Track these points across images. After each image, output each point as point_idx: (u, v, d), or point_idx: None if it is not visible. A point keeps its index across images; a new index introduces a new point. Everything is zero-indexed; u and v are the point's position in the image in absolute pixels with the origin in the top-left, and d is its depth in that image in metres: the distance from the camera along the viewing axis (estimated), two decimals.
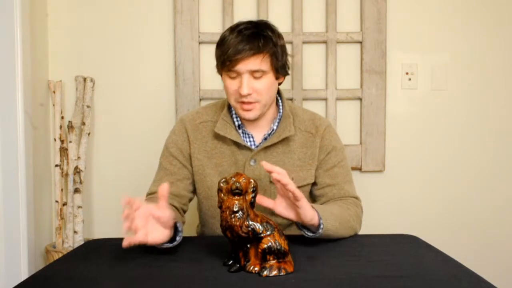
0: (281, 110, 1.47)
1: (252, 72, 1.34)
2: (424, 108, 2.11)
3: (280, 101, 1.49)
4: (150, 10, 2.06)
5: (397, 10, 2.08)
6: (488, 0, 2.09)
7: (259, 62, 1.34)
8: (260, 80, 1.35)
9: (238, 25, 1.39)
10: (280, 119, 1.46)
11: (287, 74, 1.45)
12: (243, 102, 1.36)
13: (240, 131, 1.44)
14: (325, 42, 2.06)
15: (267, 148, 1.43)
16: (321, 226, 1.23)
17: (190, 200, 1.50)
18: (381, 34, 2.05)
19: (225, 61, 1.35)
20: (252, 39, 1.34)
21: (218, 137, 1.44)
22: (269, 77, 1.37)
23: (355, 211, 1.41)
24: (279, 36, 1.40)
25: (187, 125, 1.47)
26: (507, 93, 2.12)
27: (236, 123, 1.44)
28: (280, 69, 1.40)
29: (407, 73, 2.09)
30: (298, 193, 1.15)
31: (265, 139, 1.45)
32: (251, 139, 1.45)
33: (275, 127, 1.45)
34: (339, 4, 2.06)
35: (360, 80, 2.08)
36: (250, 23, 1.39)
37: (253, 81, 1.35)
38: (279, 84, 1.46)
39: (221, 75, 1.43)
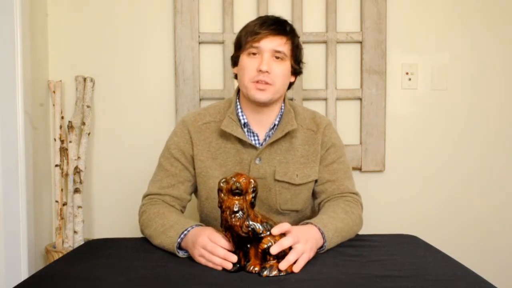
0: (282, 107, 1.48)
1: (274, 53, 1.38)
2: (424, 108, 2.11)
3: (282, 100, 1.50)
4: (150, 10, 2.06)
5: (397, 10, 2.08)
6: (488, 0, 2.09)
7: (283, 43, 1.39)
8: (279, 64, 1.39)
9: (262, 16, 1.48)
10: (281, 115, 1.47)
11: (300, 72, 1.49)
12: (257, 82, 1.37)
13: (245, 129, 1.45)
14: (325, 42, 2.06)
15: (271, 146, 1.44)
16: (324, 248, 1.25)
17: (188, 201, 1.50)
18: (381, 34, 2.05)
19: (250, 36, 1.38)
20: (279, 22, 1.41)
21: (222, 136, 1.45)
22: (287, 65, 1.41)
23: (358, 213, 1.42)
24: (298, 35, 1.48)
25: (189, 126, 1.47)
26: (507, 93, 2.12)
27: (242, 121, 1.45)
28: (297, 62, 1.45)
29: (407, 73, 2.09)
30: (286, 244, 1.12)
31: (269, 136, 1.45)
32: (256, 137, 1.46)
33: (276, 122, 1.46)
34: (339, 4, 2.06)
35: (360, 80, 2.08)
36: (273, 15, 1.46)
37: (272, 62, 1.38)
38: (290, 84, 1.49)
39: (236, 63, 1.45)
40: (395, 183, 2.12)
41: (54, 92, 2.02)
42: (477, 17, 2.09)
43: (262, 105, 1.42)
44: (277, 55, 1.38)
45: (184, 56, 2.03)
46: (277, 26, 1.39)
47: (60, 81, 2.04)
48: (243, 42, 1.41)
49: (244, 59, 1.41)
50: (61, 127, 2.00)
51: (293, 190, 1.45)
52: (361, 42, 2.06)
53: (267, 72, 1.36)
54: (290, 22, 1.45)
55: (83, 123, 2.01)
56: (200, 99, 2.05)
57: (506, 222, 2.15)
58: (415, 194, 2.13)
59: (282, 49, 1.38)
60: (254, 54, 1.39)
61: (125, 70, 2.07)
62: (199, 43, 2.04)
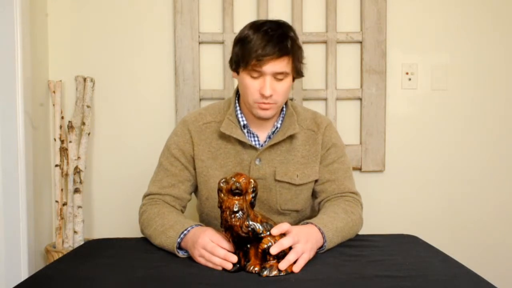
0: (284, 109, 1.48)
1: (276, 74, 1.34)
2: (424, 108, 2.11)
3: None
4: (150, 10, 2.06)
5: (397, 10, 2.08)
6: (488, 0, 2.09)
7: (285, 65, 1.34)
8: (281, 82, 1.36)
9: (261, 24, 1.37)
10: (283, 118, 1.47)
11: (302, 76, 1.46)
12: (262, 103, 1.36)
13: (245, 130, 1.45)
14: (325, 42, 2.06)
15: (271, 146, 1.44)
16: (324, 247, 1.25)
17: (188, 201, 1.50)
18: (381, 34, 2.05)
19: (252, 60, 1.32)
20: (281, 40, 1.33)
21: (222, 137, 1.45)
22: (289, 80, 1.39)
23: (358, 213, 1.42)
24: (298, 41, 1.41)
25: (190, 126, 1.47)
26: (507, 93, 2.12)
27: (242, 123, 1.44)
28: (299, 72, 1.42)
29: (407, 73, 2.09)
30: (286, 244, 1.12)
31: (269, 137, 1.45)
32: (256, 138, 1.46)
33: (278, 125, 1.46)
34: (339, 4, 2.06)
35: (360, 80, 2.08)
36: (273, 23, 1.38)
37: (275, 82, 1.35)
38: None
39: (237, 73, 1.41)
40: (395, 183, 2.12)
41: (54, 92, 2.02)
42: (477, 17, 2.09)
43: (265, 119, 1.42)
44: (278, 77, 1.35)
45: (184, 56, 2.03)
46: (279, 47, 1.32)
47: (60, 81, 2.04)
48: (244, 61, 1.34)
49: (245, 77, 1.36)
50: (61, 127, 2.00)
51: (293, 190, 1.45)
52: (361, 42, 2.06)
53: (270, 96, 1.34)
54: (290, 23, 1.42)
55: (83, 123, 2.01)
56: (200, 99, 2.05)
57: (506, 222, 2.15)
58: (415, 194, 2.13)
59: (284, 69, 1.34)
60: (255, 76, 1.35)
61: (125, 70, 2.07)
62: (199, 43, 2.04)
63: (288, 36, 1.36)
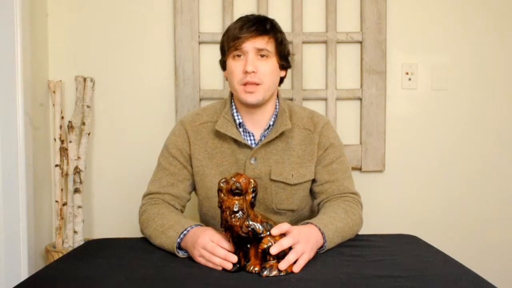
0: (277, 107, 1.49)
1: (258, 51, 1.38)
2: (424, 108, 2.11)
3: (277, 98, 1.50)
4: (150, 10, 2.06)
5: (397, 10, 2.08)
6: (488, 0, 2.09)
7: (265, 42, 1.39)
8: (264, 61, 1.39)
9: (242, 16, 1.46)
10: (276, 115, 1.47)
11: (289, 66, 1.49)
12: (246, 84, 1.37)
13: (240, 129, 1.45)
14: (325, 42, 2.06)
15: (266, 145, 1.44)
16: (324, 248, 1.25)
17: (188, 200, 1.50)
18: (381, 34, 2.05)
19: (232, 40, 1.38)
20: (259, 22, 1.41)
21: (218, 136, 1.45)
22: (273, 62, 1.41)
23: (358, 213, 1.42)
24: (281, 30, 1.47)
25: (187, 126, 1.48)
26: (507, 93, 2.12)
27: (237, 121, 1.45)
28: (284, 57, 1.45)
29: (407, 73, 2.09)
30: (286, 244, 1.12)
31: (264, 136, 1.45)
32: (251, 137, 1.46)
33: (271, 123, 1.46)
34: (339, 4, 2.06)
35: (360, 80, 2.08)
36: (253, 14, 1.46)
37: (258, 61, 1.38)
38: (281, 79, 1.49)
39: (225, 67, 1.46)
40: (395, 183, 2.12)
41: (54, 92, 2.02)
42: (477, 17, 2.09)
43: (255, 106, 1.42)
44: (261, 53, 1.38)
45: (184, 56, 2.03)
46: (257, 27, 1.39)
47: (60, 81, 2.04)
48: (226, 47, 1.42)
49: (230, 62, 1.42)
50: (61, 127, 2.00)
51: (288, 190, 1.45)
52: (361, 42, 2.06)
53: (253, 72, 1.36)
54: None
55: (83, 123, 2.01)
56: (200, 99, 2.05)
57: (506, 222, 2.15)
58: (415, 194, 2.13)
59: (265, 47, 1.38)
60: (238, 56, 1.39)
61: (125, 70, 2.07)
62: (199, 43, 2.04)
63: (268, 20, 1.44)
